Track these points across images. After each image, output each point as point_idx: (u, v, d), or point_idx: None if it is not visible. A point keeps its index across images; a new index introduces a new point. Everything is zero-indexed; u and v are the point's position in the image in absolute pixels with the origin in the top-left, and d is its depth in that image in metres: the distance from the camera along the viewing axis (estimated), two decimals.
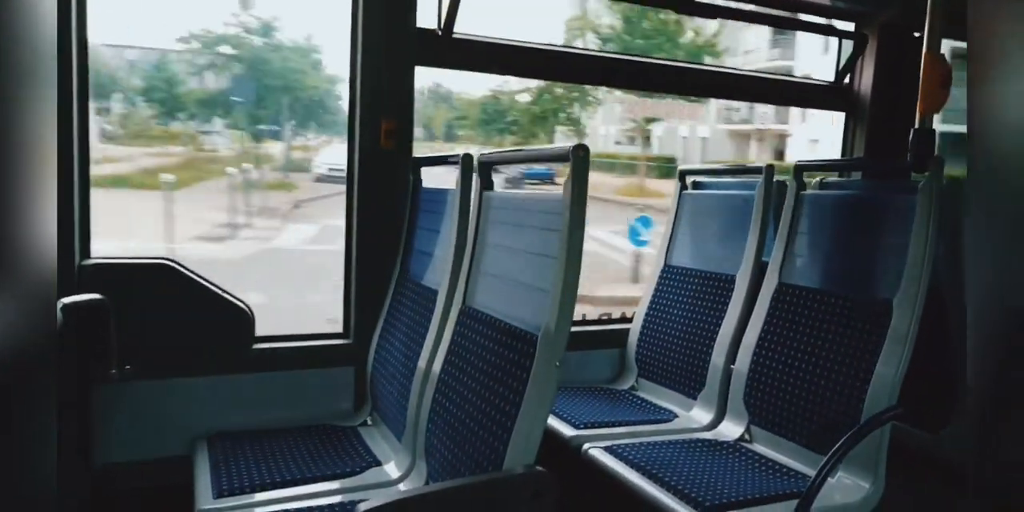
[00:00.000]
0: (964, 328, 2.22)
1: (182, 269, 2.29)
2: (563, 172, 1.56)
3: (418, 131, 2.62)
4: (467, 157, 2.06)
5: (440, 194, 2.22)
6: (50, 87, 0.91)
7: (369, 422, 2.40)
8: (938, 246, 2.07)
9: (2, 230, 0.81)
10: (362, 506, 1.29)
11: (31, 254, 0.85)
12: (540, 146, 1.83)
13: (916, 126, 2.11)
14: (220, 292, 2.34)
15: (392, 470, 2.05)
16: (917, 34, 2.62)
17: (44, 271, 0.88)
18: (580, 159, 1.50)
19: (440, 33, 2.55)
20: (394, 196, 2.47)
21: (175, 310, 2.28)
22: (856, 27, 3.27)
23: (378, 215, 2.48)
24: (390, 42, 2.43)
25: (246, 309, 2.37)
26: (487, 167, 2.00)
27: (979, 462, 0.91)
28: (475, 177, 2.02)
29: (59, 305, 1.91)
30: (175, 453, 2.20)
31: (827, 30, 3.23)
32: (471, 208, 2.02)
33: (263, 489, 1.91)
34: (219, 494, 1.88)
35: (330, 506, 1.83)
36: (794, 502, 1.87)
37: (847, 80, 3.35)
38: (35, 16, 0.87)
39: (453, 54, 2.62)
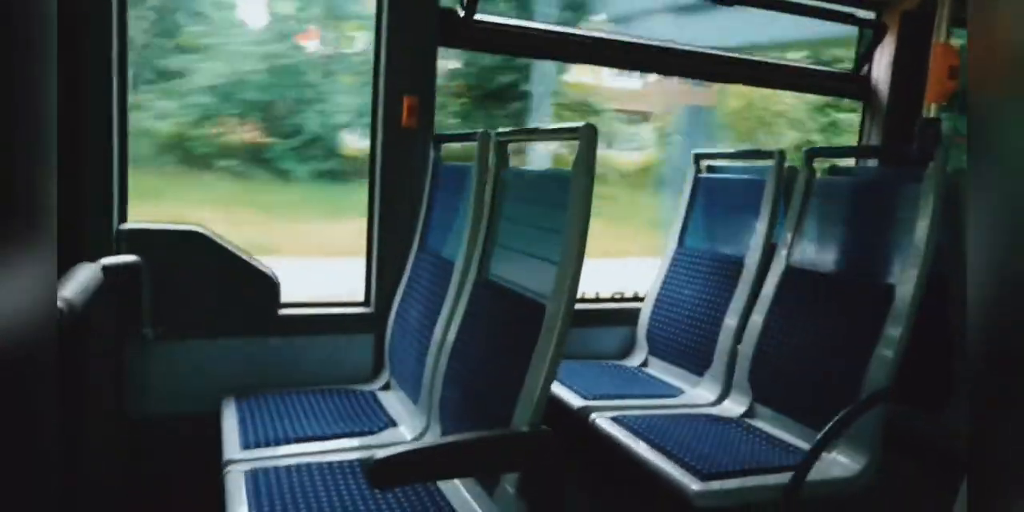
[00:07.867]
0: (964, 315, 2.28)
1: (213, 237, 2.41)
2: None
3: None
4: (485, 134, 2.14)
5: (459, 170, 2.30)
6: (49, 53, 0.85)
7: (387, 386, 2.51)
8: (943, 234, 2.12)
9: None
10: (379, 453, 1.40)
11: (30, 226, 0.83)
12: (553, 125, 1.91)
13: (923, 116, 2.16)
14: (248, 260, 2.45)
15: (407, 431, 2.16)
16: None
17: (43, 246, 0.85)
18: (588, 137, 1.58)
19: (463, 14, 2.62)
20: (415, 171, 2.56)
21: (206, 275, 2.40)
22: (876, 15, 3.29)
23: (400, 189, 2.58)
24: (413, 21, 2.51)
25: (272, 276, 2.48)
26: (504, 144, 2.09)
27: (975, 445, 0.91)
28: (492, 154, 2.11)
29: (100, 266, 2.03)
30: (204, 409, 2.32)
31: (847, 18, 3.25)
32: (488, 183, 2.11)
33: (286, 443, 2.03)
34: (245, 446, 2.00)
35: (349, 461, 1.94)
36: (790, 473, 1.96)
37: (865, 69, 3.37)
38: None
39: (475, 35, 2.69)
